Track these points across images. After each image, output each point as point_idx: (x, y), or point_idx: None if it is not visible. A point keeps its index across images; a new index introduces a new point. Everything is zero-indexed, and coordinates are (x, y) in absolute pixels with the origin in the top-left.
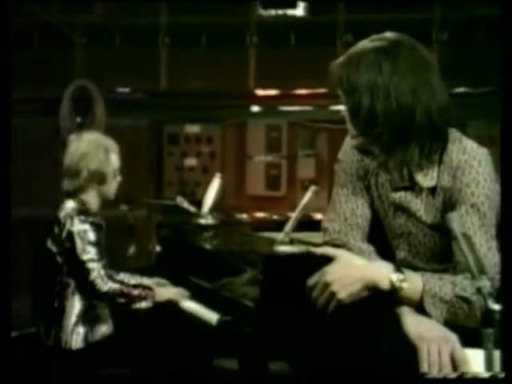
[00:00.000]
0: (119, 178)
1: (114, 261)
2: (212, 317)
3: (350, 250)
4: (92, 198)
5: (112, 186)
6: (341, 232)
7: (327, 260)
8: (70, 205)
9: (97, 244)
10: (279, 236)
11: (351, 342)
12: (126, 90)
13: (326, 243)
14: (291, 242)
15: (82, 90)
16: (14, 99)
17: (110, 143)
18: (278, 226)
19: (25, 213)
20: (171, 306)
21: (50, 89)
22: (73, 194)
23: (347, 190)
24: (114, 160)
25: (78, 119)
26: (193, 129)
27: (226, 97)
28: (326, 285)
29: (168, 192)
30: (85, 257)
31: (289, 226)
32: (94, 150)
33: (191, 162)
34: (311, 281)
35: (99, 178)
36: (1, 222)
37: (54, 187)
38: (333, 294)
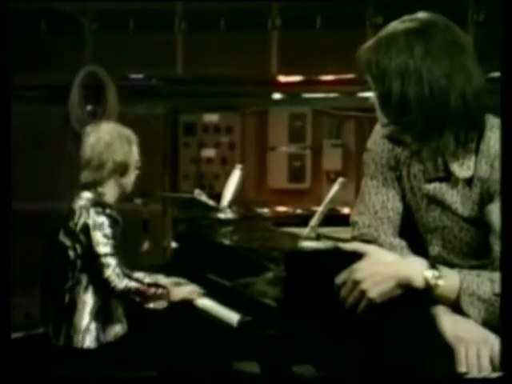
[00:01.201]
0: (137, 172)
1: (127, 257)
2: (232, 317)
3: (380, 245)
4: (110, 191)
5: (131, 178)
6: (371, 226)
7: (356, 256)
8: (86, 196)
9: (113, 238)
10: (304, 231)
11: (382, 343)
12: (140, 76)
13: (354, 238)
14: (317, 237)
15: (93, 76)
16: (20, 86)
17: (130, 133)
18: (302, 220)
19: (34, 207)
20: (188, 305)
21: (58, 75)
22: (91, 186)
23: (377, 181)
24: (135, 151)
25: (89, 107)
26: (211, 118)
27: (246, 83)
28: (356, 283)
29: (184, 185)
30: (100, 251)
31: (314, 221)
32: (117, 140)
33: (209, 153)
34: (339, 279)
35: (123, 169)
36: (1, 219)
37: (64, 179)
38: (363, 293)
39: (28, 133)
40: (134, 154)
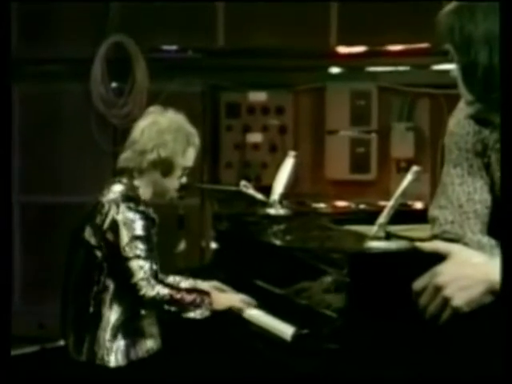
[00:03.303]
0: (184, 180)
1: (160, 258)
2: (285, 330)
3: (466, 244)
4: (146, 187)
5: (174, 184)
6: (454, 222)
7: (437, 258)
8: (117, 188)
9: (146, 239)
10: (371, 230)
11: (468, 360)
12: (174, 47)
13: (435, 237)
14: (387, 236)
15: (119, 48)
16: (32, 60)
17: (194, 134)
18: (367, 217)
19: (51, 200)
20: (233, 316)
21: (77, 47)
22: (126, 175)
23: (462, 169)
24: (191, 156)
25: (114, 85)
26: (258, 96)
27: (299, 56)
28: (438, 289)
29: (226, 175)
30: (129, 253)
31: (383, 218)
32: (173, 133)
33: (256, 137)
34: (418, 284)
35: (166, 168)
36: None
37: (84, 169)
38: (447, 301)
39: (41, 114)
40: (188, 158)
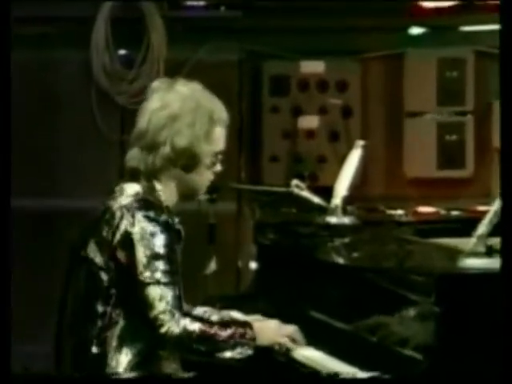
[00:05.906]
0: (219, 167)
1: (184, 282)
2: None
3: None
4: (169, 189)
5: (204, 179)
6: None
7: None
8: (131, 191)
9: (169, 259)
10: (467, 243)
11: None
12: (201, 3)
13: None
14: (489, 251)
15: (128, 4)
16: (17, 20)
17: (218, 107)
18: (462, 227)
19: (43, 205)
20: (282, 355)
21: (76, 3)
22: (142, 176)
23: None
24: (219, 137)
25: (122, 52)
26: (313, 67)
27: (368, 13)
28: None
29: (271, 172)
30: (148, 277)
31: (484, 227)
32: (190, 113)
33: (310, 122)
34: None
35: (187, 161)
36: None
37: (89, 163)
38: None
39: (28, 92)
40: (215, 141)
